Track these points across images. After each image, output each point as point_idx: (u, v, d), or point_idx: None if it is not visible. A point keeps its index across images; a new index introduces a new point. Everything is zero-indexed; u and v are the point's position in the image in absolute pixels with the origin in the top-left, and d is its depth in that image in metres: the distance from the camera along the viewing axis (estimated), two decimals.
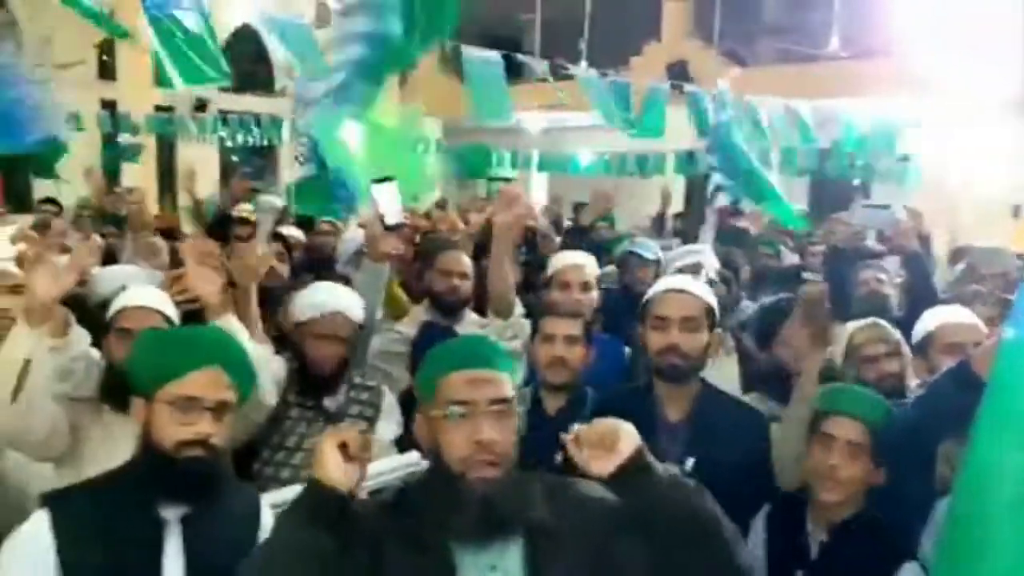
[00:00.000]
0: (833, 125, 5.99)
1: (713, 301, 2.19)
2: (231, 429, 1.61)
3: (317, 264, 4.20)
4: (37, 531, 1.48)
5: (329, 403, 2.43)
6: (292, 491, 2.08)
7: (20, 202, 7.78)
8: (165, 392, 1.52)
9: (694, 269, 3.18)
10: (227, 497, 1.62)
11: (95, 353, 2.22)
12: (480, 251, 3.81)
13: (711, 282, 2.81)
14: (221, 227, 4.40)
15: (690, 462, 2.05)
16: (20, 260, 1.97)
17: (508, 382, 1.43)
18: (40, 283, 1.84)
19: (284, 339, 2.57)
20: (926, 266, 4.10)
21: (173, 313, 2.21)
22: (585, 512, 1.41)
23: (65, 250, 2.01)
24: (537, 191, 14.51)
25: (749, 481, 2.01)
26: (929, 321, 2.59)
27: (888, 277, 3.98)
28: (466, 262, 3.21)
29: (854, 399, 1.98)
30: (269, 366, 2.21)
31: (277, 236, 3.64)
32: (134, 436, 2.05)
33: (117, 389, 1.97)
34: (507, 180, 15.46)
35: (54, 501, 1.53)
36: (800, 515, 1.98)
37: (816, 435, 1.96)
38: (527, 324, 2.54)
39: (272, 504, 1.98)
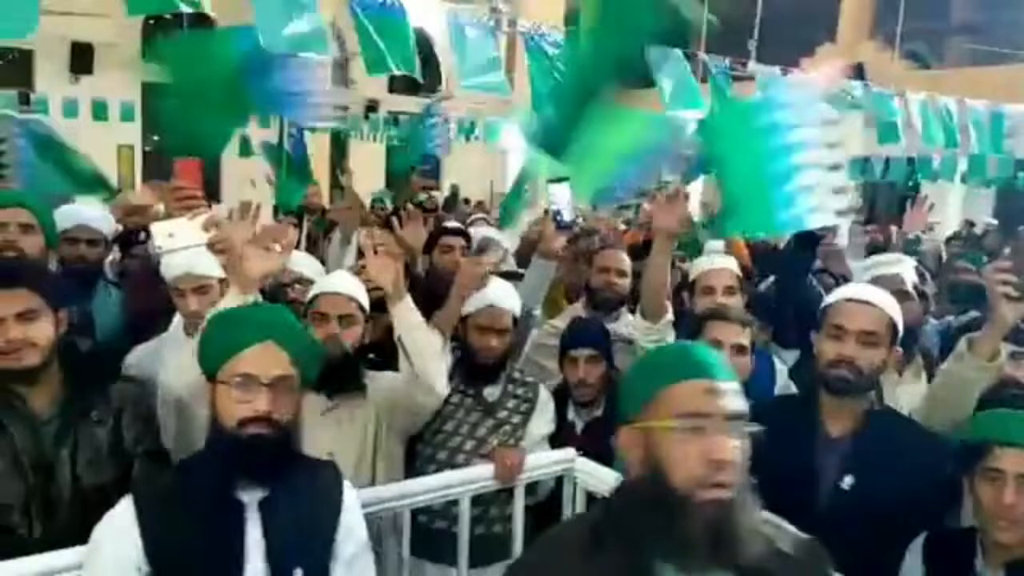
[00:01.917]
0: None
1: (898, 316, 2.05)
2: (295, 406, 1.57)
3: None
4: (122, 521, 1.48)
5: (488, 393, 2.51)
6: (443, 478, 2.20)
7: (211, 192, 8.48)
8: (224, 372, 1.52)
9: (892, 281, 2.89)
10: (304, 476, 1.59)
11: None
12: (639, 252, 3.78)
13: (907, 295, 2.60)
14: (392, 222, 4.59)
15: (848, 480, 1.95)
16: (212, 246, 2.11)
17: (741, 395, 1.28)
18: (252, 260, 1.95)
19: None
20: None
21: (365, 299, 2.32)
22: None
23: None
24: (696, 195, 14.22)
25: (913, 508, 1.87)
26: None
27: None
28: (625, 260, 3.21)
29: (1020, 427, 1.75)
30: (444, 356, 2.27)
31: (461, 232, 3.78)
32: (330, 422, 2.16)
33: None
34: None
35: (138, 489, 1.54)
36: (967, 550, 1.80)
37: (980, 469, 1.76)
38: (671, 330, 2.51)
39: (414, 491, 2.07)
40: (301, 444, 1.63)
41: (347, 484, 1.66)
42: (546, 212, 2.85)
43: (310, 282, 2.92)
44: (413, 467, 2.43)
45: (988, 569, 1.77)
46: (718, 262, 2.99)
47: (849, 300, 2.05)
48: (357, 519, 1.66)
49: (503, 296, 2.53)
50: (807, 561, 1.30)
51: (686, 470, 1.20)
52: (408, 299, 2.20)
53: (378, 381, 2.30)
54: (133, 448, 1.91)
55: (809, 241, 2.85)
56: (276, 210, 5.78)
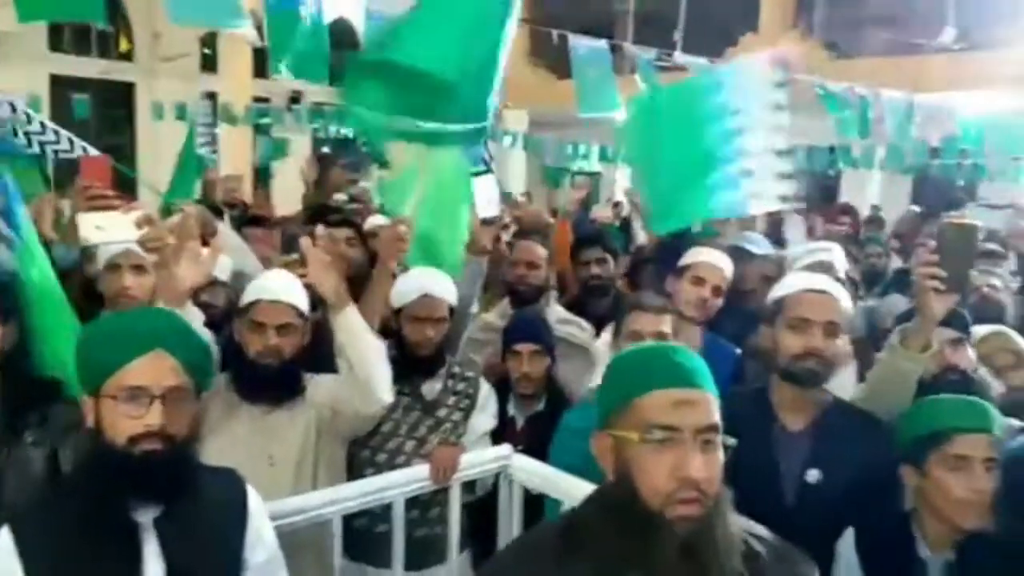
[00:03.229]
0: (945, 122, 5.68)
1: (849, 304, 2.07)
2: (190, 418, 1.48)
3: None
4: (1, 554, 1.35)
5: (427, 390, 2.45)
6: (379, 480, 2.14)
7: (127, 189, 8.16)
8: (110, 385, 1.40)
9: (824, 268, 2.91)
10: (204, 489, 1.49)
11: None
12: (583, 244, 3.77)
13: (840, 282, 2.65)
14: (317, 217, 4.48)
15: (814, 474, 1.95)
16: (143, 243, 2.00)
17: (716, 406, 1.21)
18: (185, 270, 1.87)
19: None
20: None
21: (304, 303, 2.19)
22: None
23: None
24: (623, 185, 14.36)
25: (872, 497, 1.89)
26: None
27: (1002, 282, 3.77)
28: (537, 251, 3.17)
29: (979, 413, 1.78)
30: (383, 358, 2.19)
31: (349, 222, 3.69)
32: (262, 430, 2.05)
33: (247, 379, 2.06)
34: (592, 175, 15.40)
35: (16, 518, 1.40)
36: (903, 538, 1.82)
37: (939, 457, 1.76)
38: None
39: (350, 495, 2.00)
40: (199, 455, 1.55)
41: (251, 491, 1.58)
42: (472, 207, 2.79)
43: (223, 285, 2.82)
44: (352, 471, 2.34)
45: (931, 553, 1.78)
46: (717, 258, 2.90)
47: (809, 291, 2.03)
48: (265, 526, 1.60)
49: (437, 285, 2.47)
50: (786, 568, 1.28)
51: (655, 485, 1.16)
52: (352, 307, 2.11)
53: (318, 385, 2.21)
54: None
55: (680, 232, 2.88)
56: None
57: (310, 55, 3.52)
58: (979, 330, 2.57)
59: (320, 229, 2.23)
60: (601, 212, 6.25)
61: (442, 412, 2.44)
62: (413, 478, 2.17)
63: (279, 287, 2.18)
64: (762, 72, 2.66)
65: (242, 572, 1.51)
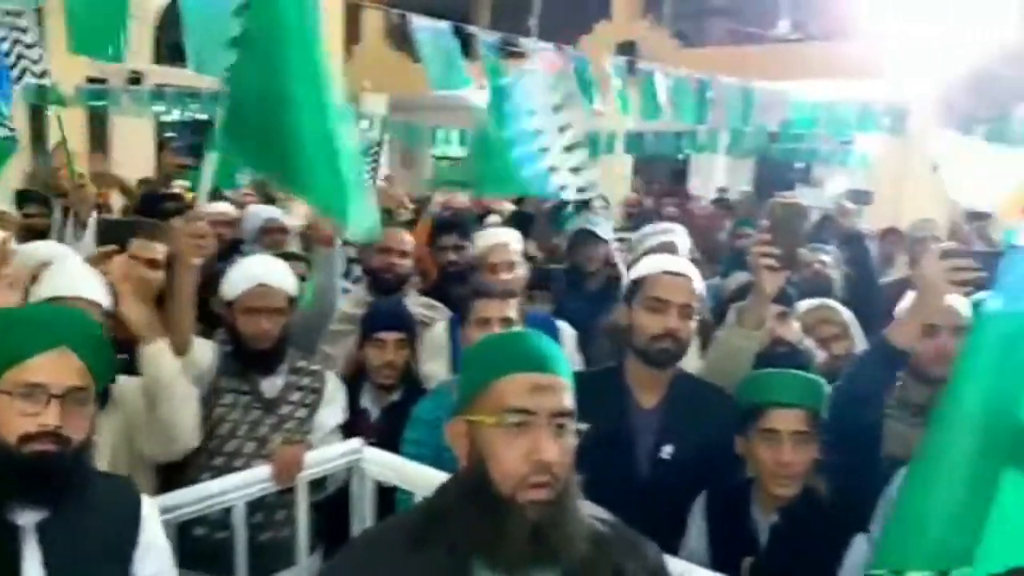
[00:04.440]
0: (780, 108, 6.01)
1: (701, 285, 2.11)
2: (88, 421, 1.41)
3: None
4: None
5: (266, 387, 2.33)
6: (215, 485, 2.02)
7: None
8: (6, 380, 1.33)
9: (668, 248, 3.01)
10: (92, 492, 1.42)
11: None
12: (440, 230, 3.73)
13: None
14: (153, 205, 4.20)
15: (667, 449, 1.99)
16: None
17: (571, 391, 1.23)
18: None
19: (216, 322, 2.46)
20: (867, 247, 4.19)
21: (105, 297, 2.02)
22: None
23: None
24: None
25: (725, 468, 1.96)
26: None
27: (832, 259, 4.03)
28: (406, 239, 3.12)
29: (791, 388, 1.88)
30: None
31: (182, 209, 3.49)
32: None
33: None
34: (455, 159, 15.37)
35: None
36: (743, 500, 1.92)
37: (756, 429, 1.87)
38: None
39: (185, 501, 1.89)
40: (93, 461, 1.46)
41: (146, 500, 1.52)
42: None
43: None
44: (187, 476, 2.20)
45: (762, 516, 1.89)
46: (501, 237, 3.00)
47: (666, 273, 2.06)
48: (158, 537, 1.52)
49: (273, 273, 2.34)
50: (628, 545, 1.30)
51: (508, 468, 1.16)
52: (161, 343, 1.98)
53: (125, 391, 2.05)
54: None
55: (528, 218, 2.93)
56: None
57: (103, 31, 3.24)
58: (805, 303, 2.73)
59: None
60: (460, 198, 6.22)
61: (285, 409, 2.32)
62: (254, 480, 2.06)
63: (73, 283, 2.01)
64: (542, 78, 2.83)
65: None
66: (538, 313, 2.84)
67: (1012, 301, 1.44)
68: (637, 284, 2.08)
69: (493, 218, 5.55)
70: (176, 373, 2.02)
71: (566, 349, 2.76)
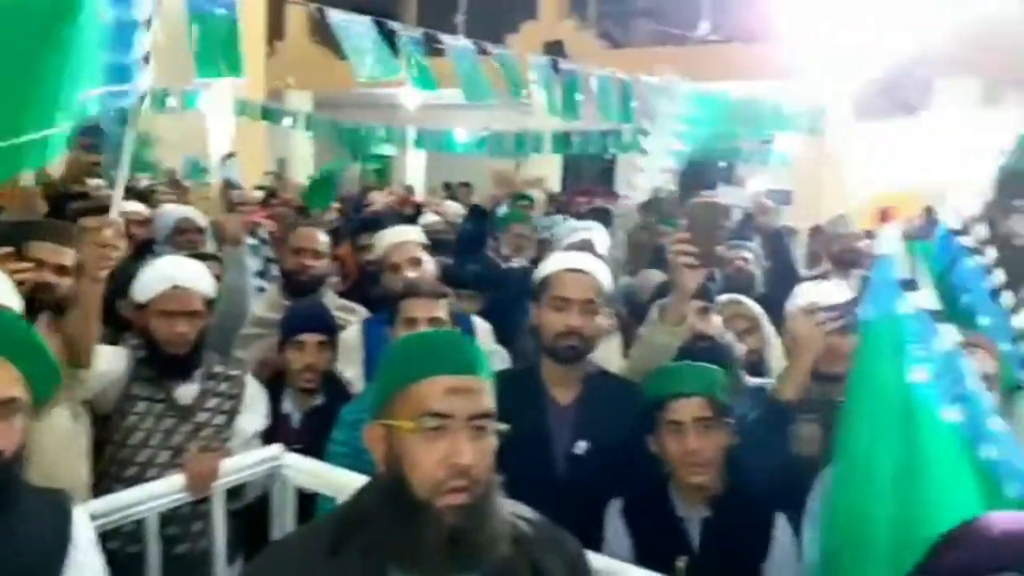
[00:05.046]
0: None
1: (608, 280, 2.14)
2: (22, 433, 1.36)
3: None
4: None
5: (181, 394, 2.25)
6: (126, 496, 1.94)
7: None
8: None
9: (585, 246, 3.06)
10: (22, 511, 1.37)
11: None
12: (359, 230, 3.68)
13: (601, 259, 2.76)
14: (61, 205, 4.02)
15: (582, 445, 2.00)
16: None
17: (491, 393, 1.21)
18: None
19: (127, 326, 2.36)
20: (787, 244, 4.32)
21: (15, 302, 1.89)
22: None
23: None
24: (414, 169, 14.30)
25: (640, 462, 1.97)
26: (799, 299, 2.50)
27: (753, 256, 4.14)
28: (321, 239, 3.05)
29: (689, 377, 1.93)
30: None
31: (102, 210, 3.33)
32: None
33: None
34: (383, 158, 15.21)
35: None
36: (663, 500, 1.93)
37: (662, 423, 1.91)
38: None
39: (95, 513, 1.81)
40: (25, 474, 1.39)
41: (79, 518, 1.46)
42: (228, 185, 2.59)
43: None
44: (99, 488, 2.11)
45: (689, 511, 1.90)
46: (400, 235, 2.97)
47: (567, 271, 2.08)
48: (91, 556, 1.45)
49: (188, 274, 2.27)
50: (548, 542, 1.29)
51: (425, 474, 1.14)
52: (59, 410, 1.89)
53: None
54: None
55: (482, 215, 2.94)
56: None
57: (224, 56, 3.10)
58: (719, 299, 2.80)
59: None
60: (380, 196, 6.15)
61: (201, 417, 2.25)
62: (166, 490, 1.97)
63: None
64: None
65: None
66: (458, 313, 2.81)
67: (881, 306, 1.54)
68: (543, 283, 2.10)
69: (429, 216, 5.50)
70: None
71: (483, 344, 2.76)
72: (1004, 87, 8.63)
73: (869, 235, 4.91)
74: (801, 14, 7.04)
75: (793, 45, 7.44)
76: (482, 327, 2.85)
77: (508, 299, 3.16)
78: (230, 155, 2.53)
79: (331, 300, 3.01)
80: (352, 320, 2.92)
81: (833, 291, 2.41)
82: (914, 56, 5.21)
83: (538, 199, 6.26)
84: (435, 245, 3.50)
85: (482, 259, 3.64)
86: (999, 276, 1.91)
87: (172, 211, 4.03)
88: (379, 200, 5.88)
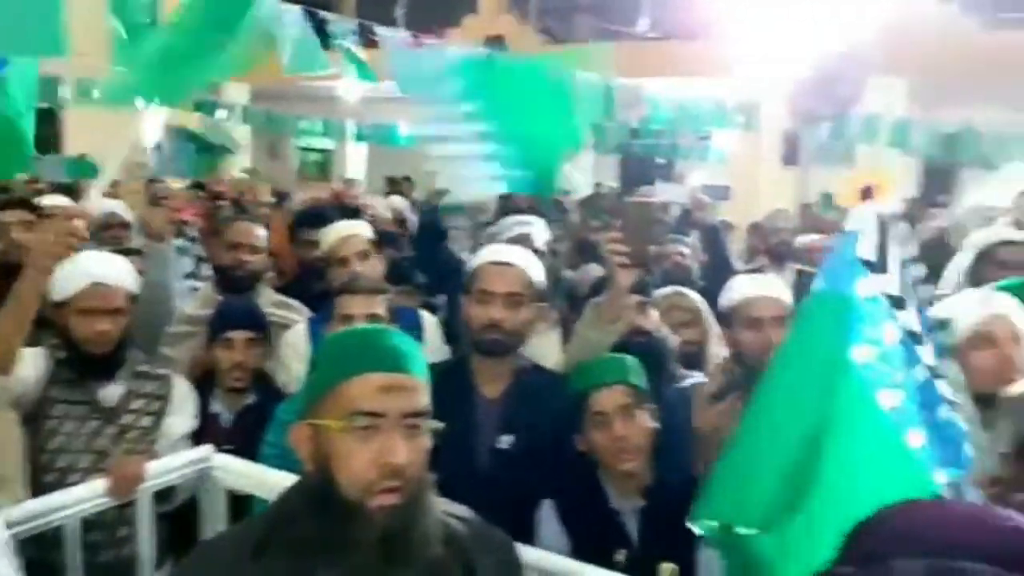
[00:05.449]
0: (642, 104, 6.19)
1: (538, 273, 2.13)
2: None
3: None
4: None
5: (104, 396, 2.17)
6: (45, 501, 1.86)
7: None
8: None
9: (523, 240, 3.06)
10: None
11: None
12: (301, 224, 3.60)
13: (540, 253, 2.74)
14: None
15: (506, 439, 1.99)
16: None
17: (425, 390, 1.18)
18: None
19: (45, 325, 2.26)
20: (723, 238, 4.40)
21: None
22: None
23: None
24: (355, 163, 14.11)
25: (566, 456, 1.97)
26: (734, 293, 2.44)
27: (691, 250, 4.21)
28: (259, 234, 2.97)
29: (607, 368, 1.95)
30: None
31: (24, 203, 3.18)
32: None
33: None
34: (322, 151, 14.99)
35: None
36: (595, 495, 1.93)
37: (588, 417, 1.91)
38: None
39: (11, 520, 1.74)
40: None
41: None
42: (151, 182, 2.51)
43: None
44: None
45: (623, 503, 1.91)
46: (348, 229, 2.93)
47: (492, 264, 2.08)
48: (1, 564, 1.42)
49: (110, 270, 2.18)
50: (480, 540, 1.28)
51: (356, 474, 1.11)
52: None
53: None
54: None
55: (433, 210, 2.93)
56: None
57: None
58: (659, 292, 2.82)
59: None
60: (320, 191, 6.03)
61: (126, 419, 2.17)
62: (87, 496, 1.90)
63: None
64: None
65: None
66: (400, 308, 2.79)
67: (836, 282, 1.53)
68: (471, 277, 2.10)
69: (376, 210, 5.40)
70: None
71: (431, 339, 2.73)
72: (927, 88, 8.96)
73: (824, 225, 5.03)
74: (739, 12, 7.16)
75: (730, 43, 7.57)
76: (430, 322, 2.82)
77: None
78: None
79: (268, 297, 2.94)
80: (293, 317, 2.86)
81: (767, 284, 2.46)
82: (847, 54, 5.34)
83: None
84: (382, 239, 3.46)
85: (443, 252, 3.61)
86: (919, 270, 1.95)
87: (104, 206, 3.88)
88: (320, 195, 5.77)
